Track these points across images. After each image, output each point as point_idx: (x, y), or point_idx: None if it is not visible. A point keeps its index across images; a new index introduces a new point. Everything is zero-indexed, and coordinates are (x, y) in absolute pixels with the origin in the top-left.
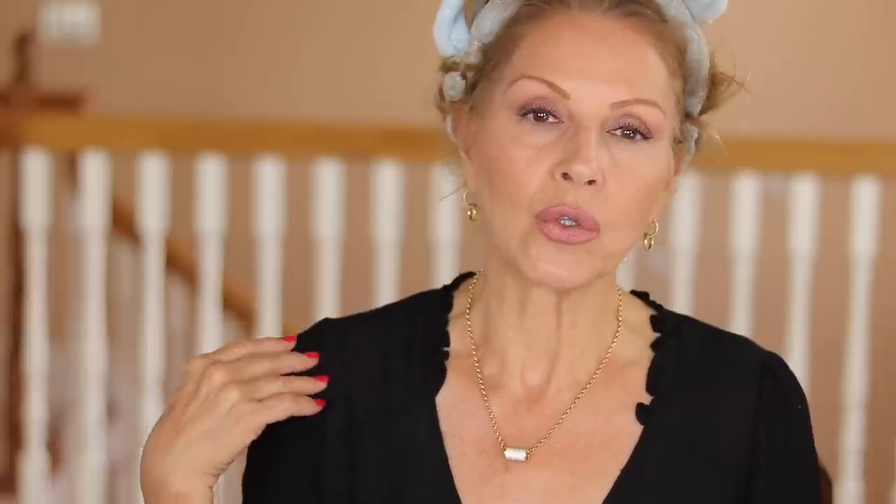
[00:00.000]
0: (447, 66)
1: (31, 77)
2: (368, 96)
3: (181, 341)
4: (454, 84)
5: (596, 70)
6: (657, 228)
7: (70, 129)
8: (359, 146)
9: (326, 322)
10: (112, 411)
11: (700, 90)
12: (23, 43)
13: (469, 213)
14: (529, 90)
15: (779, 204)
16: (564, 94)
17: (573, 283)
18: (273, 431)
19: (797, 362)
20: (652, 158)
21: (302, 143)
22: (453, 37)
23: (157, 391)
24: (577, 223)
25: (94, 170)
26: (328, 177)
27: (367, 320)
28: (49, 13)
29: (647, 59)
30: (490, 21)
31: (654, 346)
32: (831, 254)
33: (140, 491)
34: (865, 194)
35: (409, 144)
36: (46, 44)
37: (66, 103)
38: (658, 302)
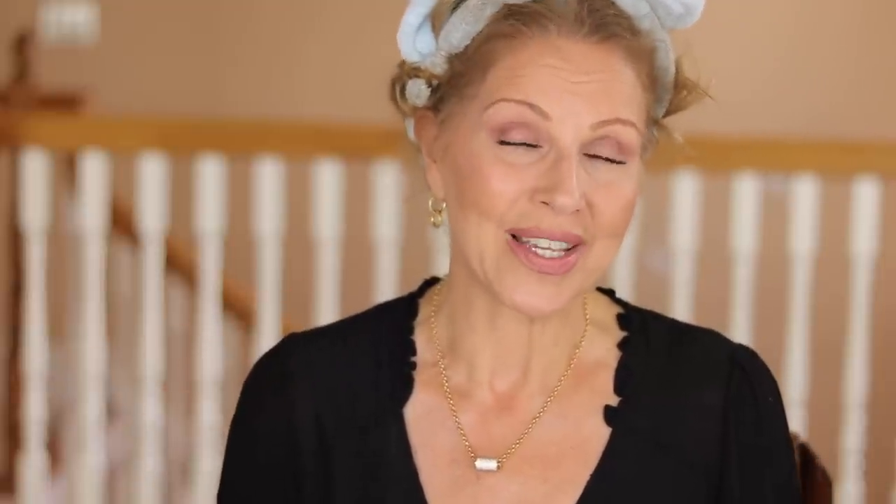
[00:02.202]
0: (410, 72)
1: (30, 77)
2: (368, 96)
3: (181, 341)
4: (419, 92)
5: (576, 92)
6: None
7: (69, 129)
8: (359, 146)
9: (291, 340)
10: (111, 411)
11: (665, 95)
12: (22, 43)
13: (433, 219)
14: (510, 113)
15: (779, 204)
16: (546, 116)
17: (552, 311)
18: (247, 454)
19: (797, 362)
20: (629, 175)
21: (302, 143)
22: (418, 44)
23: (156, 391)
24: (562, 248)
25: (94, 170)
26: (328, 177)
27: (332, 334)
28: (48, 13)
29: (624, 80)
30: (460, 33)
31: (622, 345)
32: (831, 254)
33: (139, 491)
34: (865, 194)
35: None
36: (46, 44)
37: (66, 103)
38: (623, 299)
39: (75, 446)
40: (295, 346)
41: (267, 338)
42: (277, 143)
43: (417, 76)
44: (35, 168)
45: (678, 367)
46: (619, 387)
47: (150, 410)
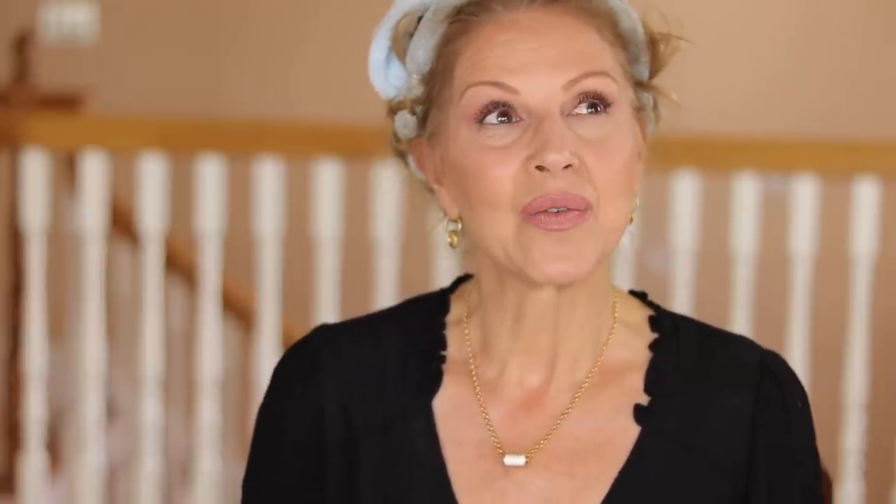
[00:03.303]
0: (394, 108)
1: (30, 77)
2: (368, 96)
3: (181, 341)
4: (406, 122)
5: (538, 60)
6: (638, 202)
7: (69, 129)
8: (359, 146)
9: (322, 330)
10: (111, 411)
11: (642, 55)
12: (22, 43)
13: (450, 241)
14: (480, 96)
15: (779, 204)
16: (514, 91)
17: (581, 272)
18: (272, 443)
19: (797, 362)
20: (618, 128)
21: (301, 143)
22: (391, 77)
23: (156, 391)
24: (567, 209)
25: (94, 170)
26: (327, 177)
27: (363, 326)
28: (48, 13)
29: (584, 37)
30: (423, 50)
31: (652, 346)
32: (831, 254)
33: (139, 491)
34: (865, 194)
35: None
36: (46, 44)
37: (66, 103)
38: (656, 302)
39: (75, 446)
40: (325, 336)
41: (267, 338)
42: (277, 143)
43: (401, 108)
44: (35, 168)
45: (708, 371)
46: (650, 386)
47: (150, 410)
